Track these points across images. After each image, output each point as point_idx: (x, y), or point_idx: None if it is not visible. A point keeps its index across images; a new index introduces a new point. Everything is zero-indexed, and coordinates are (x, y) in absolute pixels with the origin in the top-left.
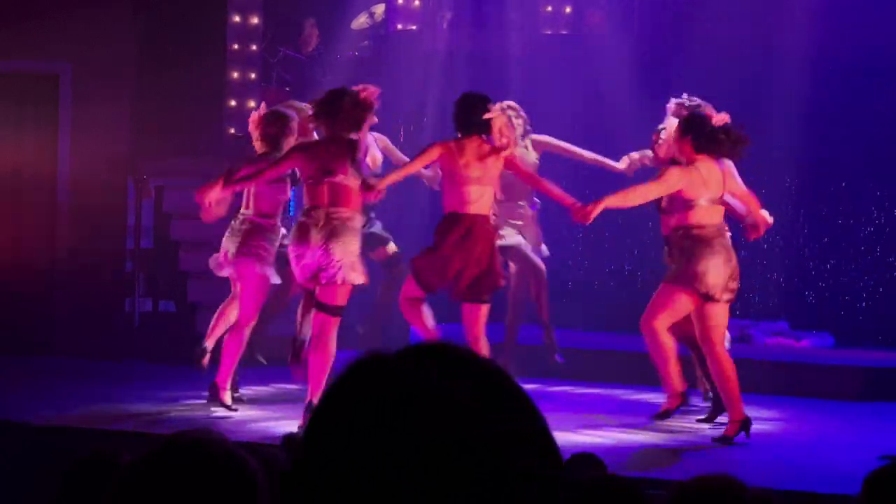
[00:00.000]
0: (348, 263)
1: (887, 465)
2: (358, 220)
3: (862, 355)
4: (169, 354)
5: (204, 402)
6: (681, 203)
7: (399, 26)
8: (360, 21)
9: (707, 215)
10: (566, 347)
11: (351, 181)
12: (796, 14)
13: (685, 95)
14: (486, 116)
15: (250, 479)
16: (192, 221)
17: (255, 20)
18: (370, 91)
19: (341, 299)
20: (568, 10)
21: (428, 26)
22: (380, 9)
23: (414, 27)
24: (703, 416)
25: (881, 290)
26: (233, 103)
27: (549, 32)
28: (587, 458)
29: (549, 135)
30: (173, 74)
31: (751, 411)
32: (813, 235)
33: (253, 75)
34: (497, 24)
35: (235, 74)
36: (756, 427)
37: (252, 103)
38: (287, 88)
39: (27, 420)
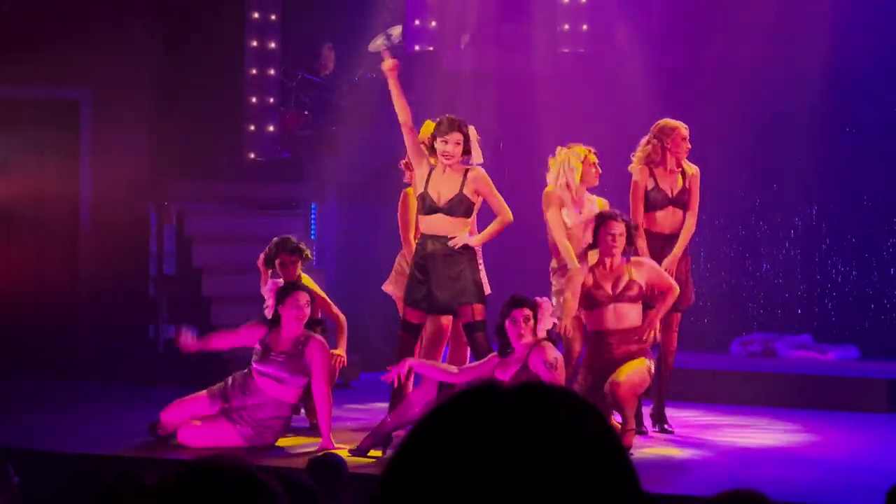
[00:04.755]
0: None
1: None
2: None
3: (887, 367)
4: (193, 380)
5: None
6: None
7: (417, 47)
8: (377, 43)
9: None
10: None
11: None
12: (816, 24)
13: None
14: None
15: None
16: (213, 246)
17: (272, 44)
18: None
19: None
20: (585, 27)
21: (446, 47)
22: (397, 30)
23: (431, 48)
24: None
25: None
26: (252, 128)
27: (566, 51)
28: None
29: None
30: (192, 99)
31: (776, 425)
32: (836, 247)
33: (271, 99)
34: (515, 43)
35: (254, 99)
36: (782, 441)
37: (271, 128)
38: (305, 112)
39: (51, 447)
